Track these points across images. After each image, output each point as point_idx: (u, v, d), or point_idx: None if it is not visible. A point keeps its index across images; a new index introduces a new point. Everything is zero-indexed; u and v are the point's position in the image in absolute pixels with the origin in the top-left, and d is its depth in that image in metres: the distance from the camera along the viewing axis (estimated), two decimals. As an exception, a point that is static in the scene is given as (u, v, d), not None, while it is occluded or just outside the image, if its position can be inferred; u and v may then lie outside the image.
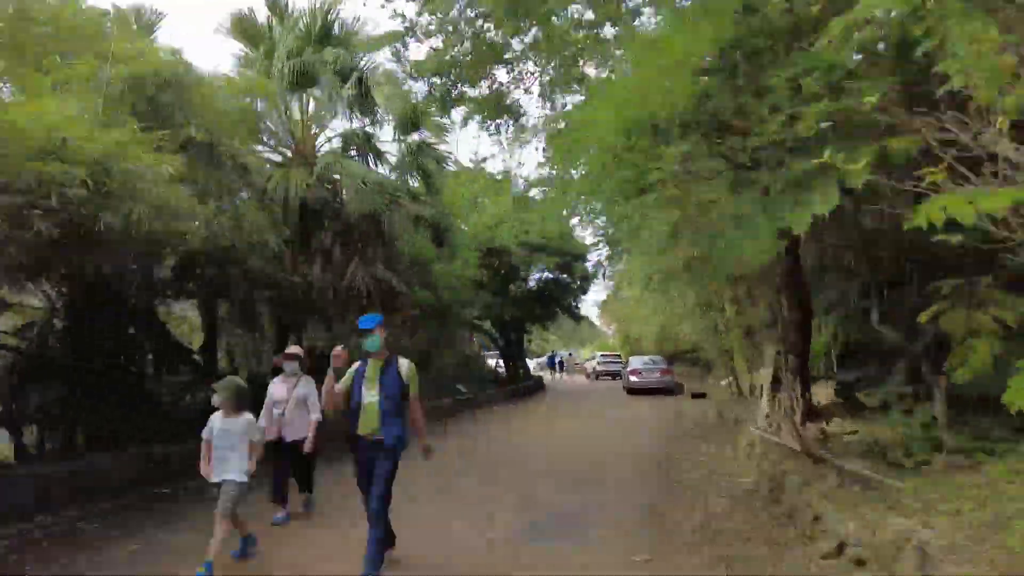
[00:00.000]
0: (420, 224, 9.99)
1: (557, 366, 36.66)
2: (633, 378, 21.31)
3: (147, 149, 5.53)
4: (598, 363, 32.05)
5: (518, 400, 20.85)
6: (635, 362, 22.28)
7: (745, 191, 4.43)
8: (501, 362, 25.74)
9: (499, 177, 20.61)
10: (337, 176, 9.29)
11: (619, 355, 33.14)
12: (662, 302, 17.06)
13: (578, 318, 26.99)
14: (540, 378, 26.60)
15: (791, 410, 7.30)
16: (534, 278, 24.75)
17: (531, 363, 35.05)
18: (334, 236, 9.44)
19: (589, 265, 24.40)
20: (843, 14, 3.55)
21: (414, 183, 10.58)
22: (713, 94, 4.73)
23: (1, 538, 4.87)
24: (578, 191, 6.29)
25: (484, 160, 26.91)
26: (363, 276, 9.22)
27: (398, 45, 9.10)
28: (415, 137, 10.26)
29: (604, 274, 21.73)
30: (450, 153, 10.50)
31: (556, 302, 25.50)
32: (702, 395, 19.34)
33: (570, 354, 40.11)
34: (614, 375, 31.18)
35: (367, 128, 10.20)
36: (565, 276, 24.42)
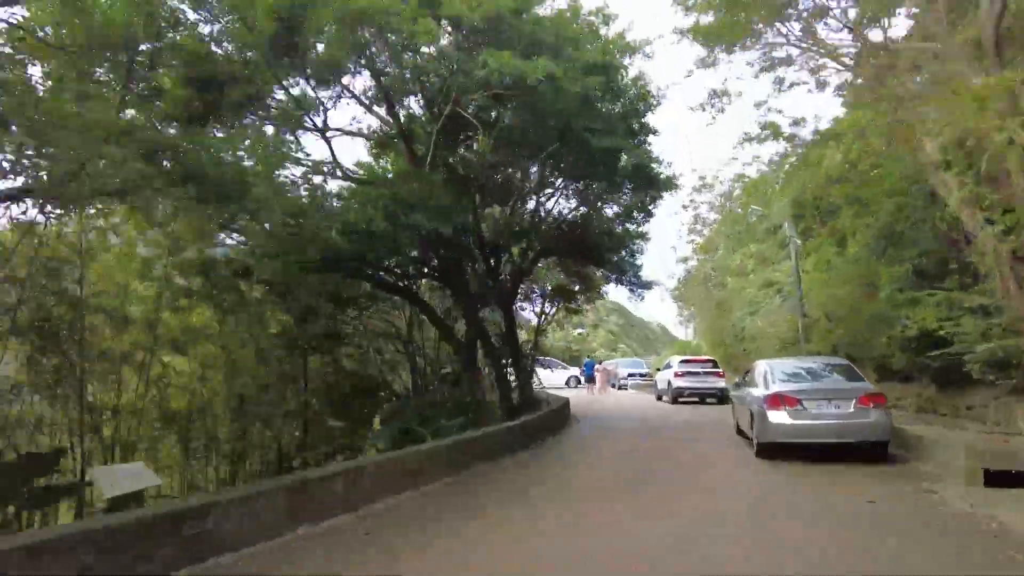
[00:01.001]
0: None
1: (593, 378, 24.25)
2: (778, 418, 8.20)
3: None
4: (676, 374, 18.58)
5: (487, 467, 8.44)
6: (775, 371, 9.07)
7: None
8: (492, 375, 13.27)
9: None
10: None
11: (713, 361, 19.56)
12: None
13: (642, 284, 13.76)
14: (564, 403, 13.79)
15: None
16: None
17: (546, 374, 22.39)
18: None
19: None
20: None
21: None
22: None
23: None
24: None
25: None
26: None
27: None
28: None
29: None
30: None
31: (593, 251, 12.76)
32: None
33: (600, 363, 27.84)
34: (704, 395, 18.00)
35: None
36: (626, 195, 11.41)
